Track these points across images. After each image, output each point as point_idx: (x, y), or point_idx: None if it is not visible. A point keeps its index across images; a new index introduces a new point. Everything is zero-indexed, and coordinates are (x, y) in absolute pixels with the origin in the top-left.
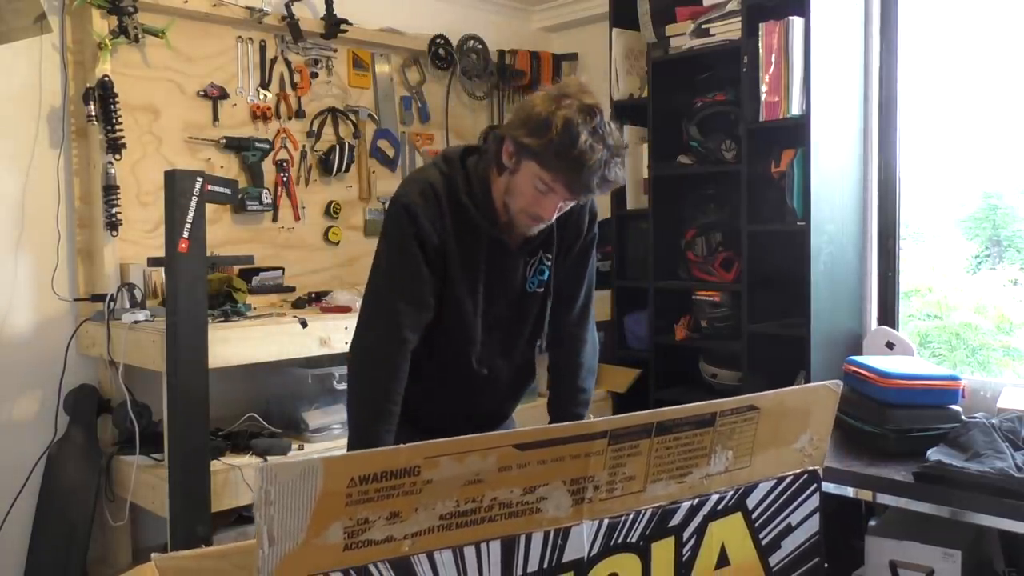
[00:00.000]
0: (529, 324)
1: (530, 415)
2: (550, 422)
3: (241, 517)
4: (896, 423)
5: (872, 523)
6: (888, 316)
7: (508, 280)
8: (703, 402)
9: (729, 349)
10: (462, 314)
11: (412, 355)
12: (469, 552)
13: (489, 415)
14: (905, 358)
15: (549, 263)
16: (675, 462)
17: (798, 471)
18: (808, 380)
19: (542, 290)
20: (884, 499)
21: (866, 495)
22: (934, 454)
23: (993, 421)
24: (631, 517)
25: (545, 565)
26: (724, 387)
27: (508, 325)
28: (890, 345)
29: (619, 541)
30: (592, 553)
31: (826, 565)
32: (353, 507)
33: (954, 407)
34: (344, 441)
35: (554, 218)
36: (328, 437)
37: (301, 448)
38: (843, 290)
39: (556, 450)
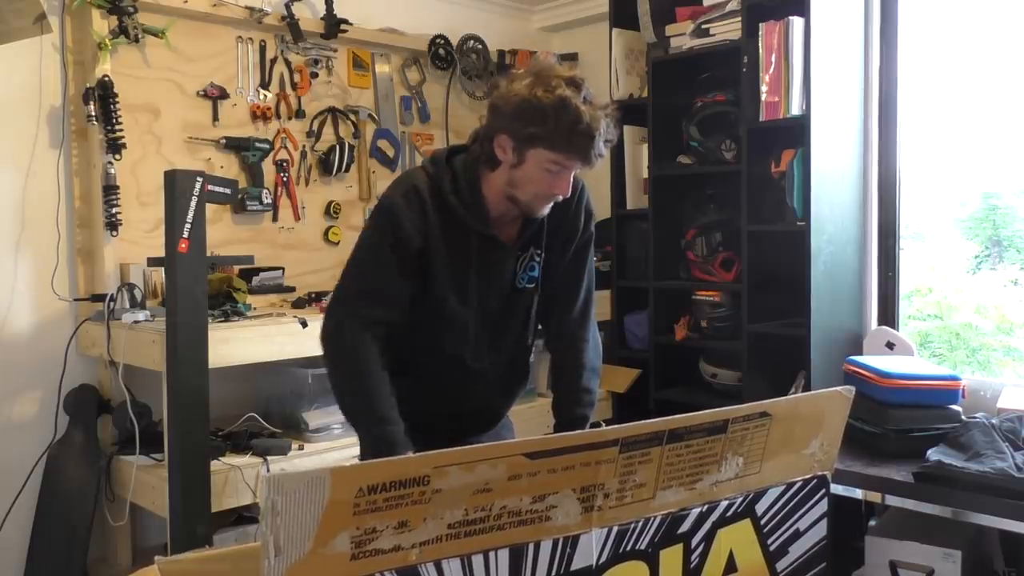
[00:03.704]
0: (519, 320)
1: (528, 415)
2: (555, 423)
3: (241, 517)
4: (896, 423)
5: (872, 523)
6: (888, 316)
7: (499, 276)
8: (715, 409)
9: (729, 349)
10: (450, 311)
11: (402, 353)
12: (477, 560)
13: (480, 413)
14: (905, 358)
15: (539, 259)
16: (686, 469)
17: (807, 476)
18: (808, 380)
19: (532, 286)
20: (884, 499)
21: (866, 495)
22: (934, 454)
23: (993, 421)
24: (640, 524)
25: (554, 573)
26: (724, 387)
27: (497, 321)
28: (890, 345)
29: (628, 549)
30: (601, 561)
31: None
32: (361, 516)
33: (954, 407)
34: (344, 441)
35: (569, 193)
36: (328, 437)
37: (301, 448)
38: (843, 290)
39: (566, 458)
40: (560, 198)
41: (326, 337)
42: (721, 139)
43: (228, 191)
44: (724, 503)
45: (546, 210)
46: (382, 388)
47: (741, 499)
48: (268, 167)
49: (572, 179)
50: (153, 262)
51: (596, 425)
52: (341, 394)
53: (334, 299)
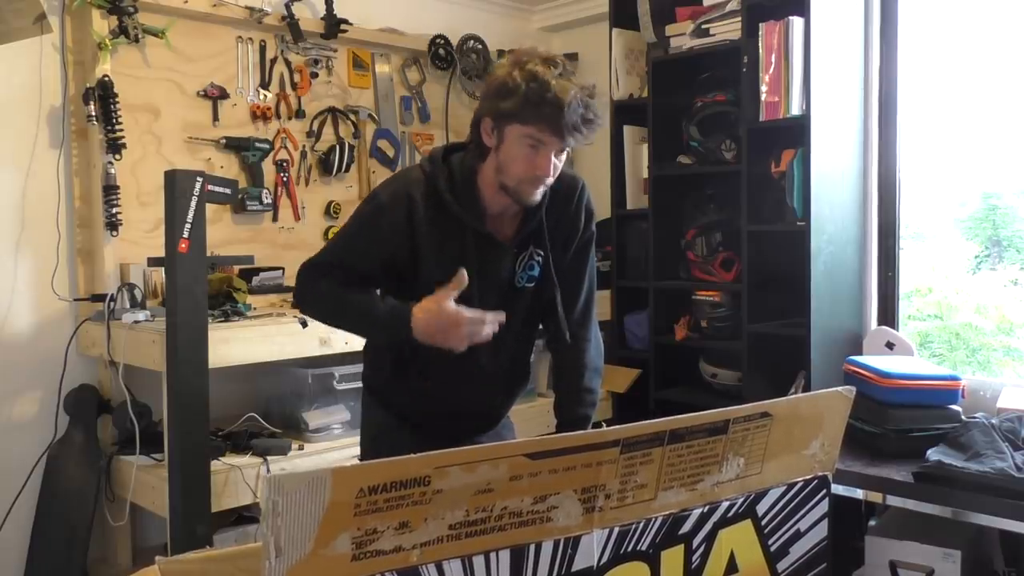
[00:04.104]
0: (518, 319)
1: (528, 415)
2: (557, 424)
3: (241, 517)
4: (896, 423)
5: (872, 523)
6: (888, 316)
7: (496, 275)
8: (716, 410)
9: (729, 349)
10: None
11: (399, 351)
12: (478, 561)
13: (480, 414)
14: (905, 358)
15: (540, 259)
16: (687, 470)
17: (808, 477)
18: (808, 380)
19: (531, 286)
20: (885, 499)
21: (867, 495)
22: (934, 454)
23: (993, 421)
24: (641, 525)
25: (555, 574)
26: (724, 387)
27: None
28: (890, 345)
29: (629, 549)
30: (602, 562)
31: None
32: (361, 517)
33: (954, 407)
34: (344, 441)
35: (551, 175)
36: (328, 437)
37: (301, 448)
38: (843, 290)
39: (568, 459)
40: (548, 181)
41: (295, 296)
42: (721, 139)
43: (228, 191)
44: (725, 504)
45: (538, 196)
46: (350, 295)
47: (742, 500)
48: (268, 167)
49: (568, 172)
50: (153, 262)
51: (597, 425)
52: (338, 326)
53: (306, 261)
